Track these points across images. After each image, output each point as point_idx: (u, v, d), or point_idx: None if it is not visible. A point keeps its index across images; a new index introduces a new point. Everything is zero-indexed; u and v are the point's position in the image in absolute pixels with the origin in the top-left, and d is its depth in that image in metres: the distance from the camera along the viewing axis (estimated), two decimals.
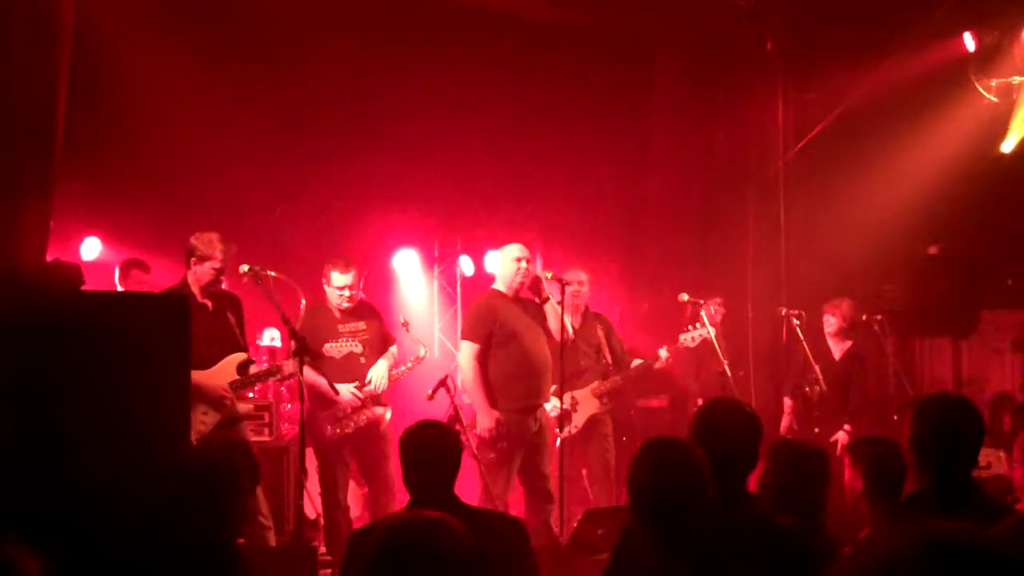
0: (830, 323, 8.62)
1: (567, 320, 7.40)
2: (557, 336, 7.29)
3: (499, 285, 7.51)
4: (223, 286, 6.97)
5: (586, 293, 8.34)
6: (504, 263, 7.49)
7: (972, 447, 3.81)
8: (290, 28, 9.17)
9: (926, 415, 3.82)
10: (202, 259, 6.77)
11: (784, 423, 8.57)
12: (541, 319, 7.28)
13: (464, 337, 7.45)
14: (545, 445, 7.28)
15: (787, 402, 8.67)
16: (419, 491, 4.09)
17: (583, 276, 8.28)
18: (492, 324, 7.31)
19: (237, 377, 6.80)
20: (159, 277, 8.10)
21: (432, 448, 4.16)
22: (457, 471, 4.19)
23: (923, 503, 3.70)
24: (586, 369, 8.01)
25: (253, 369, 6.99)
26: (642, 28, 10.36)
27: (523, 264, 7.36)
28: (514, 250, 7.48)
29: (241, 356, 6.87)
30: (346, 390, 7.32)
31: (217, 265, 6.80)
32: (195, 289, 6.78)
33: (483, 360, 7.28)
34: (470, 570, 2.73)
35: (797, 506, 4.01)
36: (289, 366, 7.01)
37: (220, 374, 6.63)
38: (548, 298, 7.31)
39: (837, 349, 8.62)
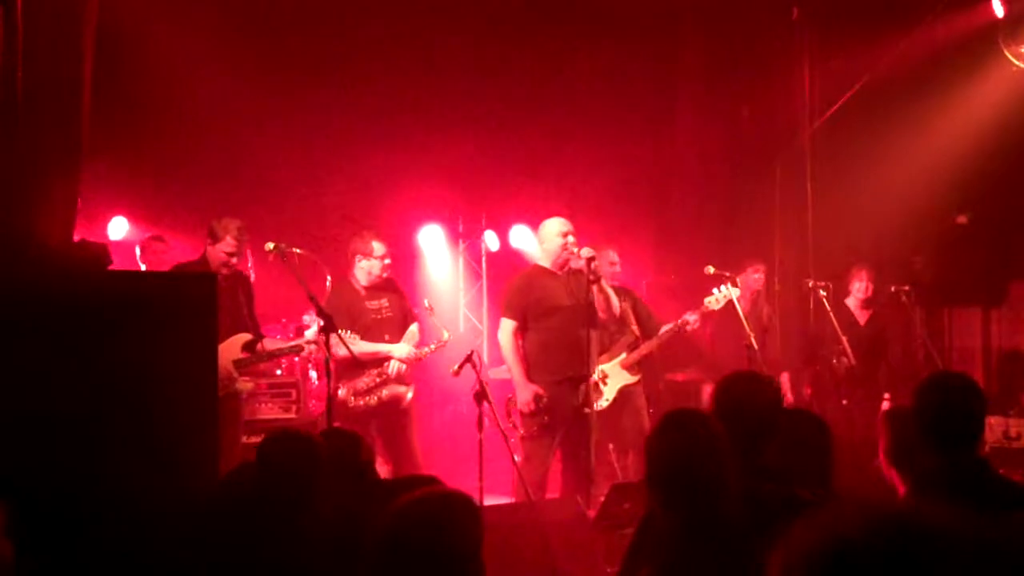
0: (867, 289, 8.56)
1: (597, 294, 7.34)
2: (603, 313, 7.27)
3: (543, 261, 7.48)
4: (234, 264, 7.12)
5: (618, 273, 8.33)
6: (549, 238, 7.42)
7: (975, 425, 3.79)
8: (317, 3, 9.17)
9: (927, 395, 3.79)
10: (216, 240, 6.99)
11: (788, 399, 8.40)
12: (585, 293, 7.14)
13: (502, 314, 7.45)
14: (588, 418, 7.13)
15: (784, 377, 8.58)
16: None
17: (615, 257, 8.23)
18: (527, 299, 7.30)
19: (241, 356, 6.96)
20: (181, 254, 8.13)
21: None
22: None
23: (934, 482, 3.67)
24: (612, 343, 7.97)
25: (271, 345, 7.19)
26: None
27: (570, 239, 7.31)
28: (557, 224, 7.40)
29: (246, 336, 7.02)
30: (404, 349, 7.42)
31: (229, 248, 6.98)
32: (212, 266, 6.97)
33: (521, 335, 7.30)
34: (475, 547, 2.77)
35: (807, 477, 3.95)
36: (313, 345, 7.12)
37: (225, 351, 6.64)
38: (599, 278, 7.22)
39: (862, 316, 8.57)
